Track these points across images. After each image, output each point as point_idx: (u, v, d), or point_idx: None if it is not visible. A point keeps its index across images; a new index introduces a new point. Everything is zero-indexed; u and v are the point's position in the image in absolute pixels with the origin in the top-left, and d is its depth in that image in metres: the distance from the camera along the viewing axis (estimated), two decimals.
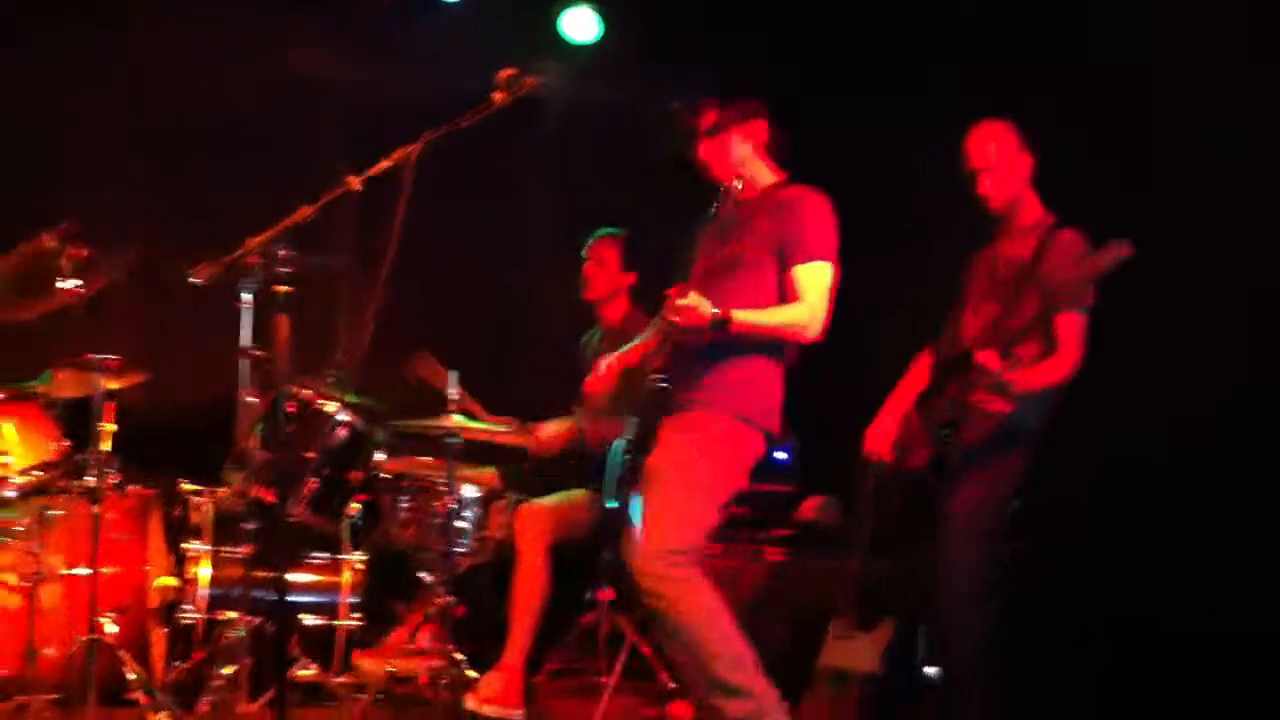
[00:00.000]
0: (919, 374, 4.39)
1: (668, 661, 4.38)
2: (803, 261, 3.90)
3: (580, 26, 5.74)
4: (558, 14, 5.71)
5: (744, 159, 4.06)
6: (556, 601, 4.80)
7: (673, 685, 4.63)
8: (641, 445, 3.90)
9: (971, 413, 4.01)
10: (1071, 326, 3.97)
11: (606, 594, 4.86)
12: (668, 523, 3.77)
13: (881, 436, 4.34)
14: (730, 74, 4.54)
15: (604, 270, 5.19)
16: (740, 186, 3.99)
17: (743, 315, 3.81)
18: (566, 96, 4.58)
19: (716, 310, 3.75)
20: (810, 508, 5.36)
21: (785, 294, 3.92)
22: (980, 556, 4.04)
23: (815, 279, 3.90)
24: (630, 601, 4.82)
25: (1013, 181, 4.18)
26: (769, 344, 3.93)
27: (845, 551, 4.59)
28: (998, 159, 4.17)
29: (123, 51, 5.72)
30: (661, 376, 3.95)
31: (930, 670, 4.27)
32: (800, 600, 4.90)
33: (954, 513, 4.06)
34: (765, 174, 4.10)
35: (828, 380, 5.04)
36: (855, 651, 4.39)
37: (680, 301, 3.74)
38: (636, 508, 3.83)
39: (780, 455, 5.60)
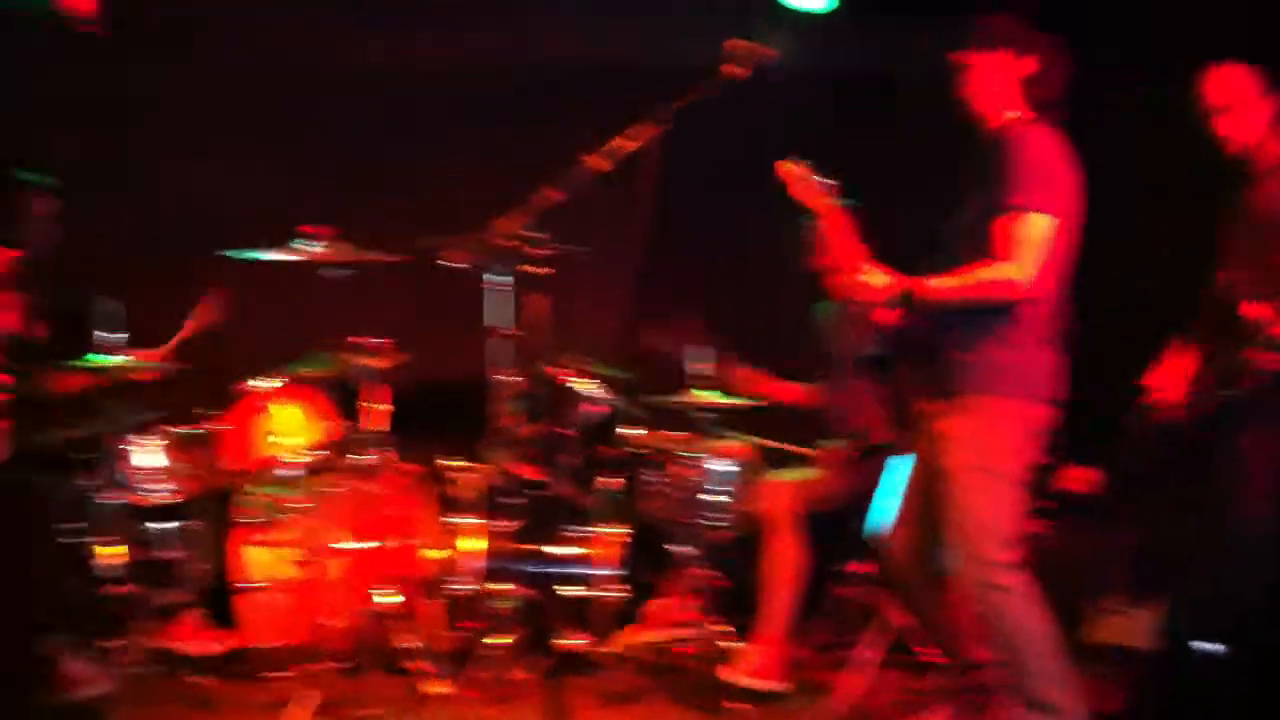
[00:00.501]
0: (1194, 328, 4.16)
1: (928, 635, 4.31)
2: (1005, 210, 3.65)
3: None
4: None
5: (1003, 94, 3.80)
6: (816, 574, 4.79)
7: (930, 659, 4.56)
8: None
9: (1247, 367, 3.79)
10: None
11: (861, 567, 4.82)
12: (980, 530, 3.65)
13: (1163, 390, 4.14)
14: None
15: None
16: (993, 125, 3.79)
17: (935, 284, 3.65)
18: (800, 66, 4.52)
19: (893, 283, 3.62)
20: (1072, 477, 5.16)
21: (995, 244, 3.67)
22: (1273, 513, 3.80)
23: (1019, 229, 3.62)
24: (884, 575, 4.79)
25: (1255, 124, 3.93)
26: (1023, 308, 3.71)
27: (1111, 523, 4.41)
28: (1238, 98, 3.92)
29: (375, 36, 5.91)
30: (896, 350, 3.85)
31: (1207, 645, 4.06)
32: (1063, 575, 4.73)
33: (1240, 469, 3.84)
34: (1017, 111, 3.81)
35: (1086, 345, 4.87)
36: (1127, 627, 4.22)
37: (856, 278, 3.65)
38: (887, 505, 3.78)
39: None
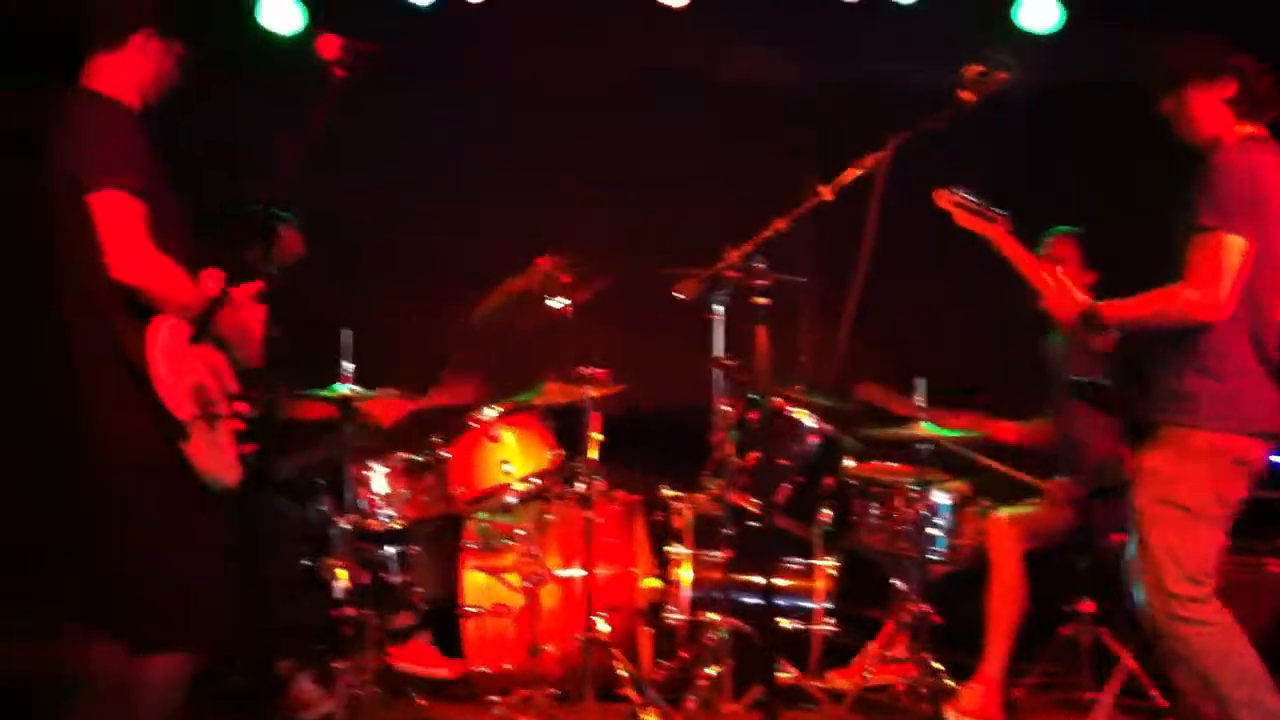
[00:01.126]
0: None
1: (1162, 680, 4.14)
2: (1196, 230, 3.52)
3: (1039, 15, 5.53)
4: (1014, 3, 5.53)
5: (1206, 115, 3.68)
6: (1032, 612, 4.66)
7: (1164, 703, 4.38)
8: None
9: None
10: None
11: (1087, 606, 4.67)
12: (1172, 567, 3.55)
13: None
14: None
15: (1064, 269, 4.98)
16: (1203, 146, 3.66)
17: (1118, 305, 3.55)
18: (1031, 88, 4.42)
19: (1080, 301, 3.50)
20: None
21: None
22: None
23: (1207, 250, 3.49)
24: (1112, 615, 4.62)
25: None
26: (1226, 334, 3.56)
27: None
28: None
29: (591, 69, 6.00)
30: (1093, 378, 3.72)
31: None
32: None
33: None
34: (1225, 130, 3.68)
35: None
36: None
37: (1051, 286, 3.52)
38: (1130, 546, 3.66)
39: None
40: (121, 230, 3.34)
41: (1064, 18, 5.51)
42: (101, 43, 3.57)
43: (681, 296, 3.82)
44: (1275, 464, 5.10)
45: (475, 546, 4.90)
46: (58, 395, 3.46)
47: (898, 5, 5.68)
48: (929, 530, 4.66)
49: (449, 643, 4.92)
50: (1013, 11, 5.55)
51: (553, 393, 4.86)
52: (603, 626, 4.63)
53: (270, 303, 3.46)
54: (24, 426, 3.92)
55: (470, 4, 5.78)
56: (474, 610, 4.79)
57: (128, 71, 3.56)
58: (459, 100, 5.83)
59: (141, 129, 3.52)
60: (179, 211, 3.54)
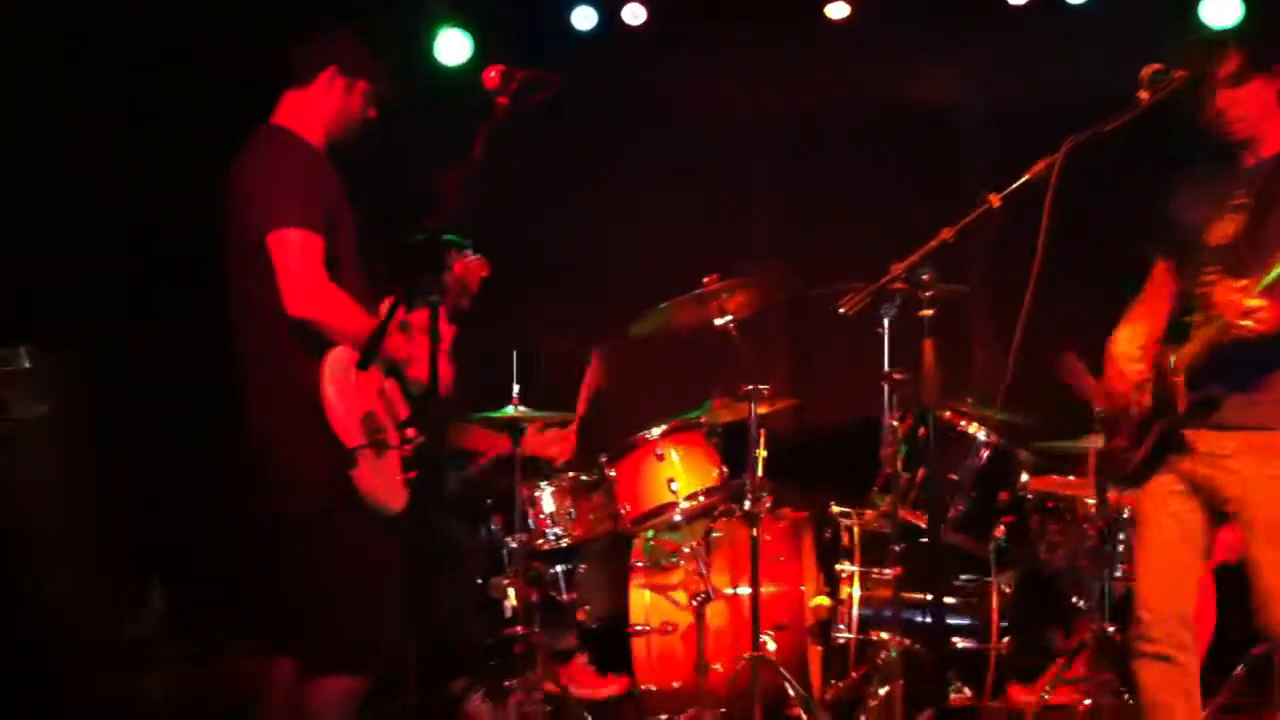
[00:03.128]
0: None
1: None
2: None
3: (1222, 11, 5.31)
4: (1197, 2, 5.32)
5: (1268, 110, 3.52)
6: (1223, 629, 4.46)
7: None
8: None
9: None
10: None
11: None
12: None
13: None
14: None
15: None
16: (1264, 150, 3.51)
17: None
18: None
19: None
20: None
21: None
22: None
23: None
24: None
25: None
26: None
27: None
28: None
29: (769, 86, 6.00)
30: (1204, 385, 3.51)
31: None
32: None
33: None
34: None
35: None
36: None
37: (1248, 302, 3.30)
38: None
39: None
40: (296, 267, 3.45)
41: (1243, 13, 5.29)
42: (291, 79, 3.68)
43: (846, 311, 3.74)
44: None
45: (642, 565, 4.90)
46: (237, 428, 3.58)
47: (1068, 5, 5.54)
48: (1109, 547, 4.50)
49: (618, 661, 4.93)
50: (1197, 8, 5.35)
51: (719, 410, 4.85)
52: (771, 645, 4.59)
53: (445, 329, 3.52)
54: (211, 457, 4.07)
55: (631, 29, 5.83)
56: (641, 629, 4.79)
57: (314, 108, 3.67)
58: (622, 123, 5.88)
59: (323, 164, 3.63)
60: (357, 244, 3.64)
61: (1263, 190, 3.48)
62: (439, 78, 5.72)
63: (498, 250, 4.12)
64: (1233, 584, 4.44)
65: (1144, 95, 3.47)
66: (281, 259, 3.45)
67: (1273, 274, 3.33)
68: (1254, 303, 3.31)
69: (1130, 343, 3.69)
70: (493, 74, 3.40)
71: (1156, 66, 3.46)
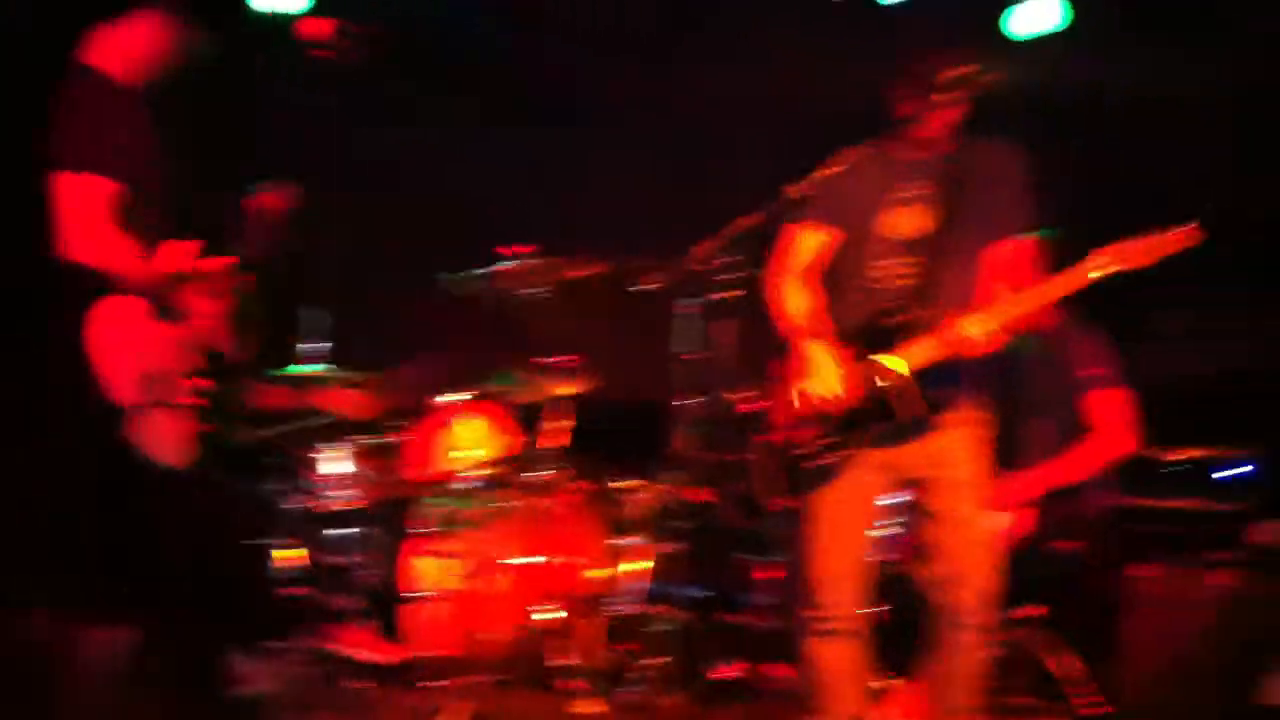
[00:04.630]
0: None
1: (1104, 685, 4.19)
2: None
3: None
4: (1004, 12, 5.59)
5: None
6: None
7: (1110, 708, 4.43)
8: None
9: None
10: None
11: (1025, 611, 4.70)
12: None
13: None
14: None
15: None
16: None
17: None
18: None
19: None
20: (1265, 530, 4.99)
21: None
22: None
23: None
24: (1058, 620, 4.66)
25: None
26: None
27: None
28: None
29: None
30: None
31: None
32: (1244, 631, 4.57)
33: None
34: None
35: None
36: None
37: (975, 330, 3.53)
38: None
39: (1227, 472, 5.28)
40: (77, 210, 3.32)
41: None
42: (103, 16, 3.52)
43: (646, 289, 3.79)
44: (1223, 478, 5.26)
45: (424, 531, 4.85)
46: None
47: (879, 5, 5.73)
48: None
49: (394, 628, 4.87)
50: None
51: (522, 382, 4.84)
52: (547, 615, 4.62)
53: (248, 282, 3.44)
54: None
55: None
56: (419, 595, 4.75)
57: (125, 47, 3.51)
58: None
59: (131, 105, 3.48)
60: (164, 191, 3.51)
61: (948, 186, 3.63)
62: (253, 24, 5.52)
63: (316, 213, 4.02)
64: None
65: (939, 98, 3.60)
66: (62, 201, 3.34)
67: (1008, 310, 3.54)
68: (979, 330, 3.51)
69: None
70: (315, 25, 3.32)
71: (957, 70, 3.59)
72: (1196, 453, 5.36)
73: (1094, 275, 3.55)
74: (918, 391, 3.60)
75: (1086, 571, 4.94)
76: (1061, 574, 4.80)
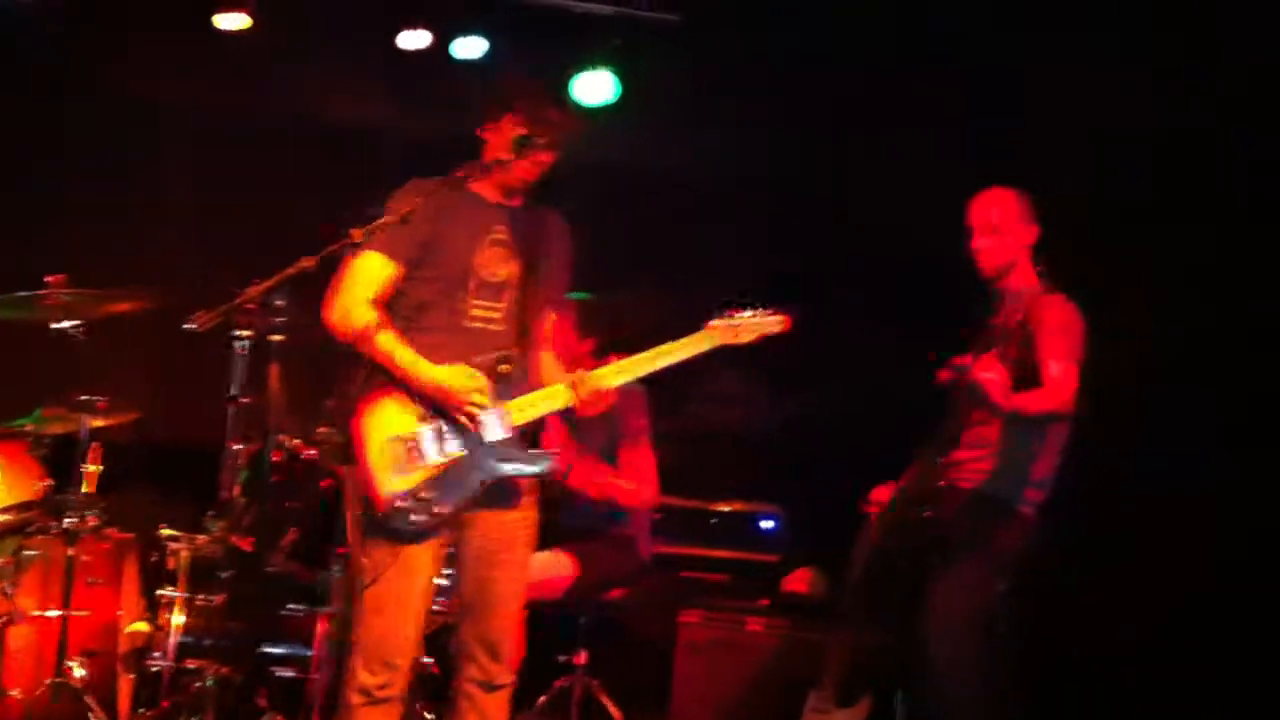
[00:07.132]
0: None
1: None
2: None
3: (593, 90, 5.73)
4: (572, 76, 5.72)
5: None
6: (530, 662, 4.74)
7: None
8: None
9: (949, 488, 4.02)
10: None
11: (579, 657, 4.83)
12: None
13: (877, 503, 4.31)
14: None
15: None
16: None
17: None
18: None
19: None
20: (796, 579, 5.32)
21: None
22: (967, 637, 4.00)
23: None
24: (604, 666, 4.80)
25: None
26: None
27: (831, 624, 4.55)
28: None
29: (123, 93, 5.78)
30: None
31: None
32: (781, 673, 4.85)
33: (936, 592, 4.03)
34: None
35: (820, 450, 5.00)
36: None
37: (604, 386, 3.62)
38: None
39: (766, 525, 5.60)
40: None
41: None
42: None
43: (194, 328, 3.60)
44: (764, 529, 5.59)
45: None
46: None
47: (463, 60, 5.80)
48: None
49: None
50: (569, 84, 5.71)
51: (49, 419, 4.50)
52: (79, 671, 4.32)
53: None
54: None
55: None
56: None
57: None
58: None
59: None
60: None
61: (524, 238, 3.70)
62: None
63: None
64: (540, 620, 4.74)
65: (505, 155, 3.65)
66: None
67: (631, 369, 3.64)
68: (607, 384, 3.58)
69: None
70: None
71: (523, 130, 3.65)
72: (737, 505, 5.67)
73: (706, 347, 3.68)
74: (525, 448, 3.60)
75: (634, 617, 5.14)
76: (609, 620, 4.96)
